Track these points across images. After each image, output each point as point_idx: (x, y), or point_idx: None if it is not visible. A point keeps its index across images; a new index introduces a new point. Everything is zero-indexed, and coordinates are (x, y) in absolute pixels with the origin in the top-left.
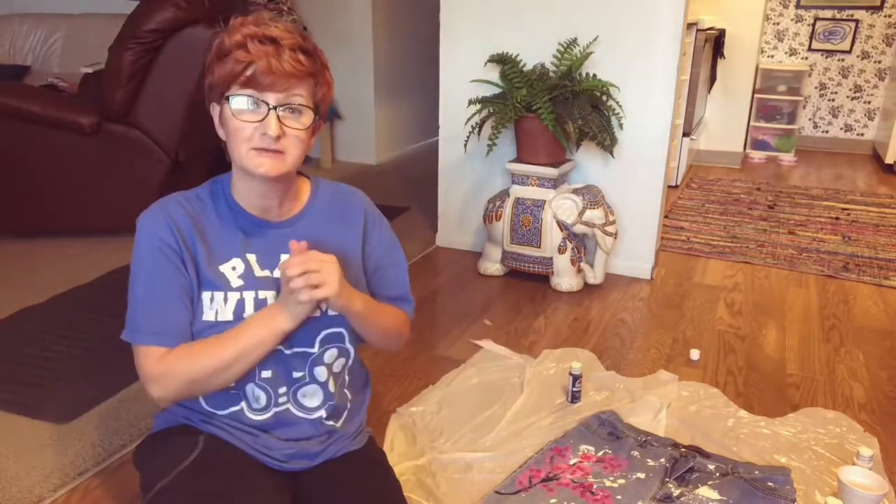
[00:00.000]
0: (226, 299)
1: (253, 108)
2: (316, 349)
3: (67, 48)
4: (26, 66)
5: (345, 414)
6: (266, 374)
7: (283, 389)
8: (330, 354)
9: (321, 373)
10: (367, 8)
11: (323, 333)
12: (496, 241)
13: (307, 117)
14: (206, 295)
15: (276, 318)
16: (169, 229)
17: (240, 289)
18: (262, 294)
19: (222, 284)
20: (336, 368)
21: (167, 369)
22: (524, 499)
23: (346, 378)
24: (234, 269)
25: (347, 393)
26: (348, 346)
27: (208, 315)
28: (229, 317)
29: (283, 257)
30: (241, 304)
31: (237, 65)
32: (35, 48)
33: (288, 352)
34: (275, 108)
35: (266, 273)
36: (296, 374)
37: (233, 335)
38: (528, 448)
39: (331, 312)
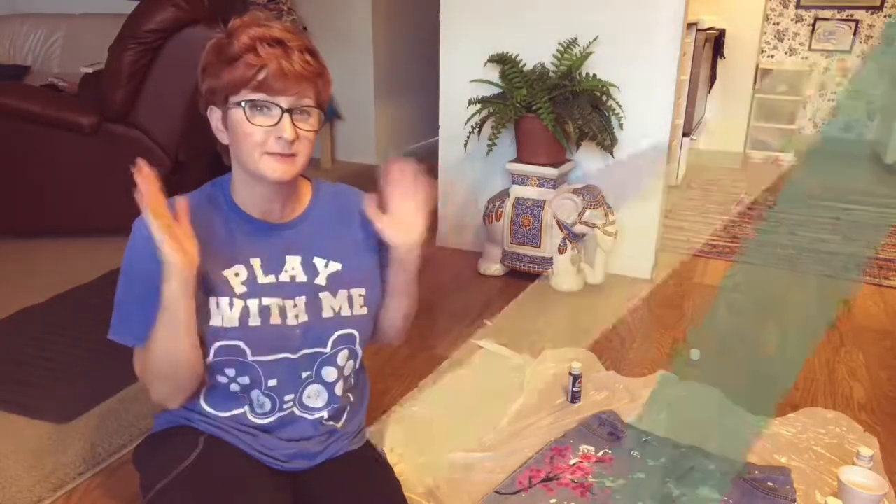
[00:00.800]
0: (231, 305)
1: (265, 112)
2: (328, 349)
3: (67, 48)
4: (26, 66)
5: (345, 414)
6: (272, 382)
7: (289, 397)
8: (342, 356)
9: (330, 374)
10: (367, 8)
11: (336, 334)
12: (496, 241)
13: (315, 118)
14: (212, 300)
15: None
16: None
17: (243, 296)
18: (265, 301)
19: (226, 290)
20: (346, 371)
21: (143, 367)
22: (524, 499)
23: (352, 381)
24: (237, 275)
25: (349, 395)
26: (358, 347)
27: (215, 320)
28: (235, 323)
29: (288, 259)
30: (245, 311)
31: (248, 69)
32: (35, 48)
33: (295, 356)
34: (289, 111)
35: (270, 278)
36: (303, 374)
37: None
38: (528, 448)
39: (343, 313)
